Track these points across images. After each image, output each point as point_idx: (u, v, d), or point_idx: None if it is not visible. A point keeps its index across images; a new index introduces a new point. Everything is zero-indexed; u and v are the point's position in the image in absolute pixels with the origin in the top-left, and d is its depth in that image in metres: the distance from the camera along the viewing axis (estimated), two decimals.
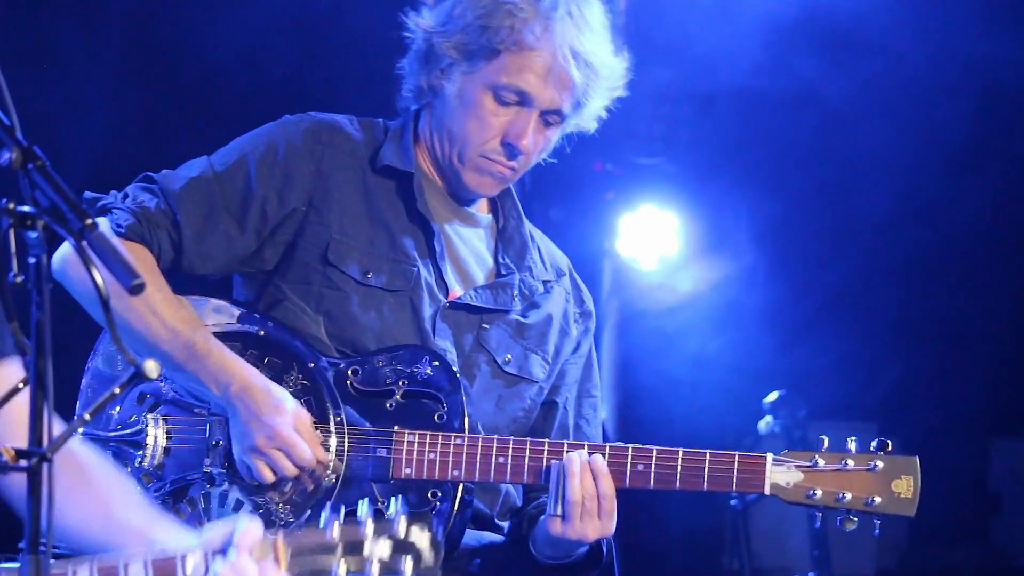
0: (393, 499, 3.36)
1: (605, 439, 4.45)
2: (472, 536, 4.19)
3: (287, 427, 3.94)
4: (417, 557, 3.30)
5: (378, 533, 3.29)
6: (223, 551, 3.25)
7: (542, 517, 4.10)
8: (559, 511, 3.97)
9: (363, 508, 3.32)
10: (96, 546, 3.39)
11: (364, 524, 3.29)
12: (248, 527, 3.26)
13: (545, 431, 4.33)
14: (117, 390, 2.66)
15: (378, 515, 3.31)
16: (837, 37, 7.58)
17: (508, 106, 4.14)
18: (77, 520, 3.33)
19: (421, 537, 3.30)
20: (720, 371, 8.41)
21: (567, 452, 4.00)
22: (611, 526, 4.00)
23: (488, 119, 4.14)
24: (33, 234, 2.59)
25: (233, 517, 3.36)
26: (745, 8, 7.48)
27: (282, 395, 3.93)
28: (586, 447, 4.02)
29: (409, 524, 3.30)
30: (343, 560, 3.29)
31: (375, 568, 3.28)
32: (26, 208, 2.59)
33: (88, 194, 4.14)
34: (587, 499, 3.96)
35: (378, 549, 3.29)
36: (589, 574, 4.18)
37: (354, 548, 3.29)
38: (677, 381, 8.35)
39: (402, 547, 3.29)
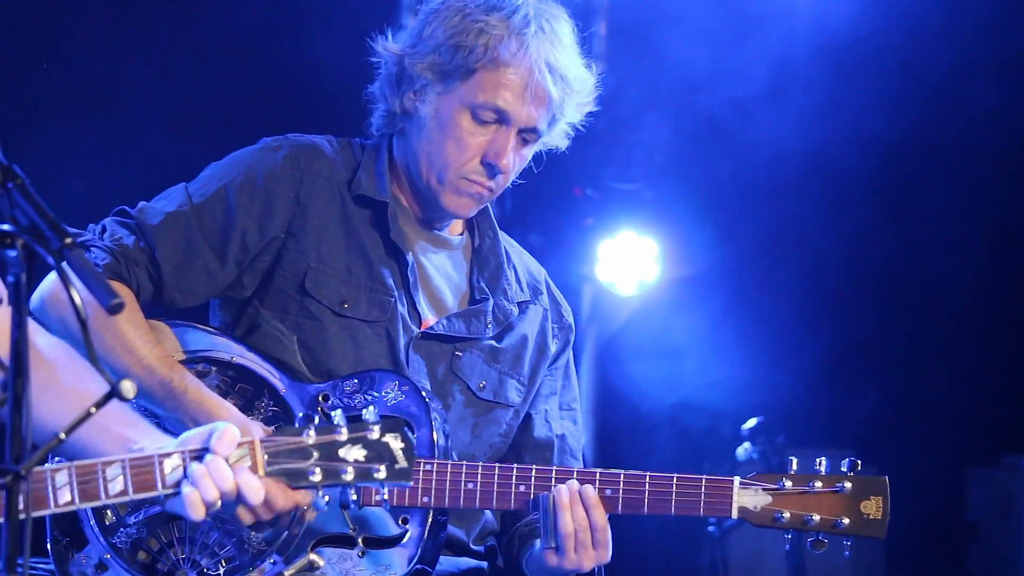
0: (366, 408, 3.38)
1: (584, 466, 4.42)
2: (449, 562, 4.17)
3: None
4: (392, 462, 3.33)
5: (353, 438, 3.32)
6: (200, 455, 3.27)
7: (536, 542, 4.07)
8: (552, 543, 3.94)
9: (338, 415, 3.35)
10: (74, 447, 3.37)
11: (340, 429, 3.32)
12: (225, 431, 3.29)
13: (524, 446, 4.31)
14: (93, 410, 2.66)
15: (353, 421, 3.34)
16: (819, 59, 7.62)
17: (486, 125, 4.12)
18: (52, 419, 3.28)
19: (395, 443, 3.33)
20: (699, 397, 8.41)
21: (554, 483, 3.96)
22: (606, 555, 3.96)
23: (466, 139, 4.12)
24: (12, 253, 2.59)
25: (211, 424, 3.36)
26: (726, 33, 7.51)
27: (256, 434, 3.89)
28: (575, 475, 3.97)
29: (384, 431, 3.34)
30: (319, 464, 3.32)
31: (350, 472, 3.32)
32: (5, 227, 2.60)
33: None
34: (580, 531, 3.92)
35: (353, 453, 3.32)
36: None
37: (330, 452, 3.32)
38: (656, 407, 8.35)
39: (377, 452, 3.33)
